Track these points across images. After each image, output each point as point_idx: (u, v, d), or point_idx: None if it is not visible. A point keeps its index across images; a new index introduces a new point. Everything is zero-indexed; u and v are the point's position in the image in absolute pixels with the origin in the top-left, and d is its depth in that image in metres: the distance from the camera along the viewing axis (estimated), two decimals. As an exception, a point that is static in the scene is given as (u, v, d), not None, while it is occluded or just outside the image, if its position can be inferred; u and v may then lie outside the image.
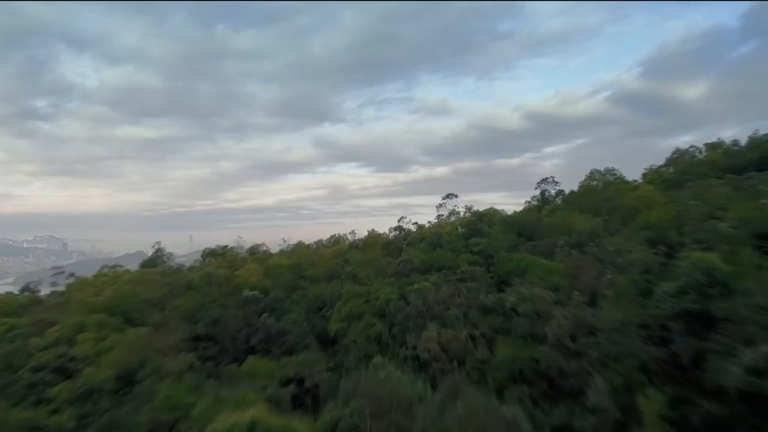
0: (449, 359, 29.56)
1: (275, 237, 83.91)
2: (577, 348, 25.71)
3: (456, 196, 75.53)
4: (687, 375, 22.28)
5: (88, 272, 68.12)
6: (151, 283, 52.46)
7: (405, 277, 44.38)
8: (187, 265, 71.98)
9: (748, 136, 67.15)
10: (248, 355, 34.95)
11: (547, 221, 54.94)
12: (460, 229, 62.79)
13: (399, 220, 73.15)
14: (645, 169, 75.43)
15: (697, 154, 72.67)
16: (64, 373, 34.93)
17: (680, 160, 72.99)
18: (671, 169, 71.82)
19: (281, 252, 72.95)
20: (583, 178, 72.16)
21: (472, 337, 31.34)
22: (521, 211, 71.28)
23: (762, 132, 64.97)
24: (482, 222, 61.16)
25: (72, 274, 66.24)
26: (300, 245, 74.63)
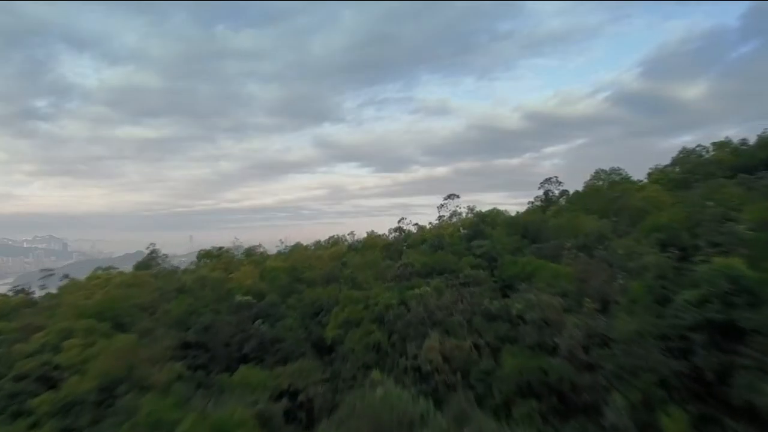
0: (452, 370, 27.82)
1: (275, 237, 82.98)
2: (590, 360, 23.96)
3: (458, 197, 73.90)
4: (712, 391, 20.58)
5: (88, 272, 66.41)
6: (143, 287, 50.88)
7: (405, 281, 42.68)
8: (187, 265, 70.44)
9: (758, 135, 65.60)
10: (241, 363, 33.22)
11: (553, 222, 53.19)
12: (462, 231, 61.11)
13: (399, 221, 71.58)
14: (650, 168, 73.94)
15: (704, 153, 71.13)
16: (48, 382, 33.28)
17: (687, 159, 71.44)
18: (677, 169, 70.34)
19: (278, 253, 71.36)
20: (585, 178, 70.79)
21: (476, 346, 29.59)
22: (525, 212, 69.48)
23: (773, 131, 63.27)
24: (485, 223, 59.46)
25: (66, 276, 64.71)
26: (298, 247, 73.06)
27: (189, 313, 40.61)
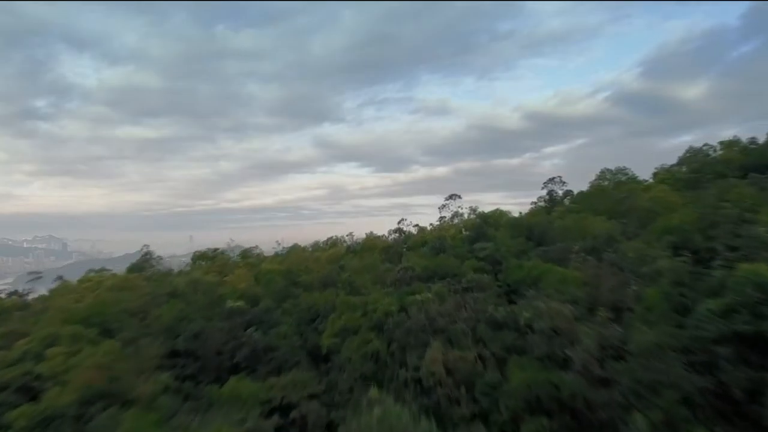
0: (455, 383, 26.02)
1: (275, 237, 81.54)
2: (606, 374, 22.17)
3: (459, 197, 71.96)
4: (740, 411, 18.85)
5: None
6: (134, 290, 49.06)
7: (405, 285, 40.87)
8: (183, 267, 68.71)
9: (767, 134, 64.00)
10: (232, 373, 31.46)
11: (559, 224, 51.30)
12: (464, 232, 59.23)
13: (399, 222, 69.62)
14: (656, 168, 72.29)
15: (711, 152, 69.41)
16: (29, 393, 31.50)
17: (694, 158, 69.71)
18: (684, 168, 68.63)
19: (275, 255, 69.47)
20: (586, 178, 69.36)
21: (481, 357, 27.75)
22: (529, 213, 67.50)
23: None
24: (488, 225, 57.54)
25: (60, 277, 62.84)
26: (295, 248, 71.15)
27: (179, 319, 38.82)
